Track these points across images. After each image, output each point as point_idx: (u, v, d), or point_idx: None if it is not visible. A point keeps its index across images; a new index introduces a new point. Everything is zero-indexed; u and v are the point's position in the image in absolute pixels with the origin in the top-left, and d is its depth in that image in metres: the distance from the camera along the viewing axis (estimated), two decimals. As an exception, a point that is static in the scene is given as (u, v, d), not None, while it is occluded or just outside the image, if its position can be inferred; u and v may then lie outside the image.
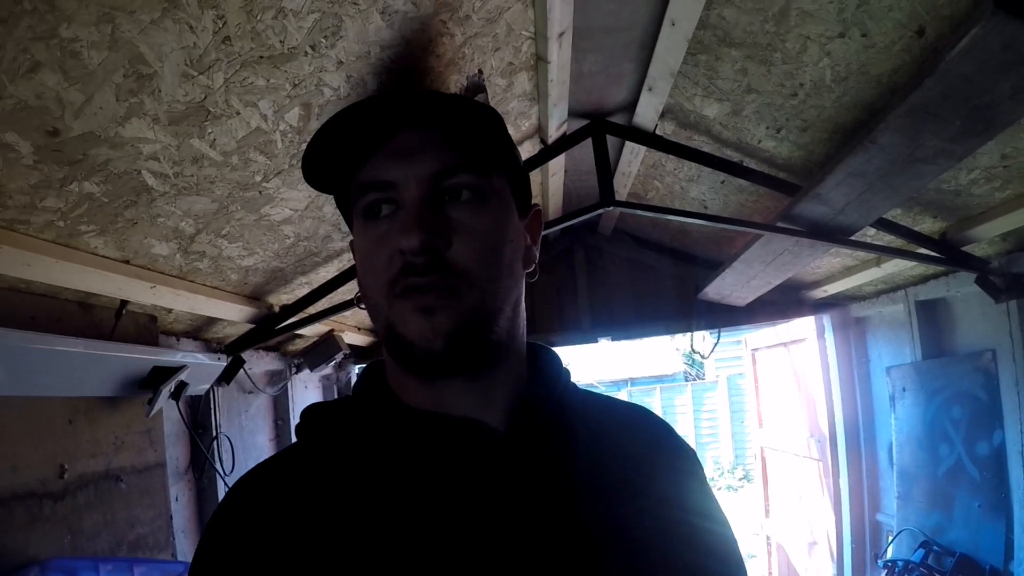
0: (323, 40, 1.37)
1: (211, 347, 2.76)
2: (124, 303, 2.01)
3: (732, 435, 12.27)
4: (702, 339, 6.31)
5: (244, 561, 0.67)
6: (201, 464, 2.71)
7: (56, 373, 1.72)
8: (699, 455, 0.92)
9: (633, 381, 13.64)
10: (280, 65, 1.37)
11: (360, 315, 3.57)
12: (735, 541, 0.84)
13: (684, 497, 0.82)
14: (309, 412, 0.82)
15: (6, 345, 1.50)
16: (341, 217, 2.20)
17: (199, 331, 2.66)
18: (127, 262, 1.83)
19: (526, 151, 2.38)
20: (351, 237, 0.82)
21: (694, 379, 13.15)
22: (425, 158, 0.73)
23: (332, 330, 3.33)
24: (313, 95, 1.54)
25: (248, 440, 3.11)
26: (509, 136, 0.80)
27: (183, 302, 2.15)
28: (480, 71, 1.66)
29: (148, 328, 2.24)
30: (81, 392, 1.89)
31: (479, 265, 0.73)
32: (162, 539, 2.20)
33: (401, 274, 0.71)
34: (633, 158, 2.85)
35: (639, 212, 2.69)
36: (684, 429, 12.98)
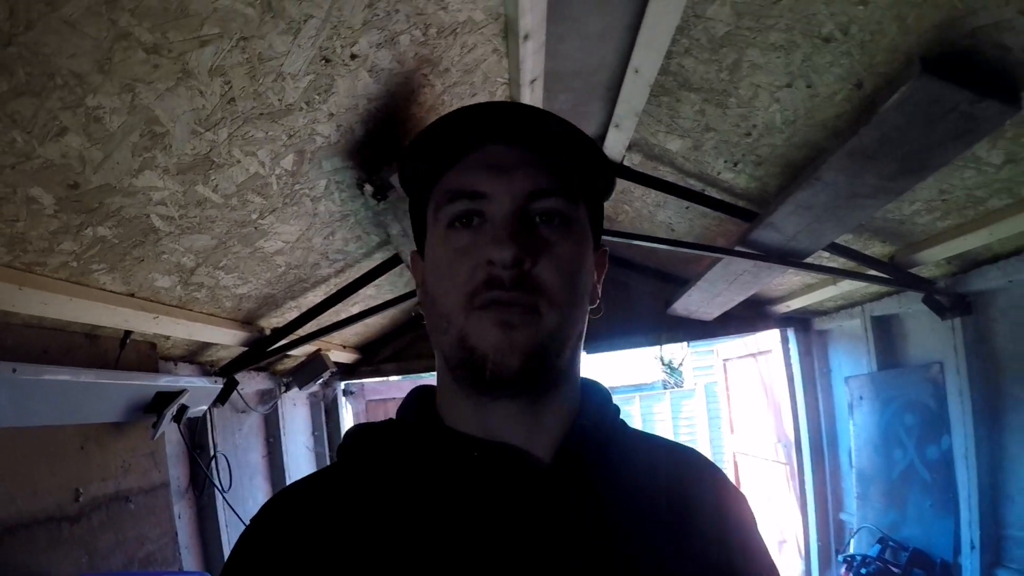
0: (316, 96, 1.49)
1: (205, 370, 2.86)
2: (128, 333, 2.11)
3: (710, 441, 12.39)
4: (680, 350, 6.47)
5: None
6: (201, 483, 2.81)
7: (68, 403, 1.82)
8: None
9: (614, 390, 13.78)
10: (278, 120, 1.50)
11: (345, 334, 3.68)
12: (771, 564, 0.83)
13: (728, 542, 0.78)
14: (355, 433, 0.80)
15: (24, 379, 1.60)
16: (329, 246, 2.34)
17: (195, 355, 2.76)
18: (132, 295, 1.94)
19: None
20: (413, 247, 0.82)
21: (673, 387, 13.29)
22: (522, 175, 0.72)
23: (319, 349, 3.43)
24: (306, 143, 1.66)
25: (242, 458, 3.20)
26: (610, 166, 0.79)
27: (182, 329, 2.25)
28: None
29: (148, 355, 2.34)
30: (91, 419, 1.99)
31: (561, 289, 0.71)
32: (169, 555, 2.29)
33: (485, 286, 0.69)
34: (604, 185, 2.98)
35: (609, 237, 2.81)
36: (664, 435, 13.09)
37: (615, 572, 0.68)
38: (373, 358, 4.15)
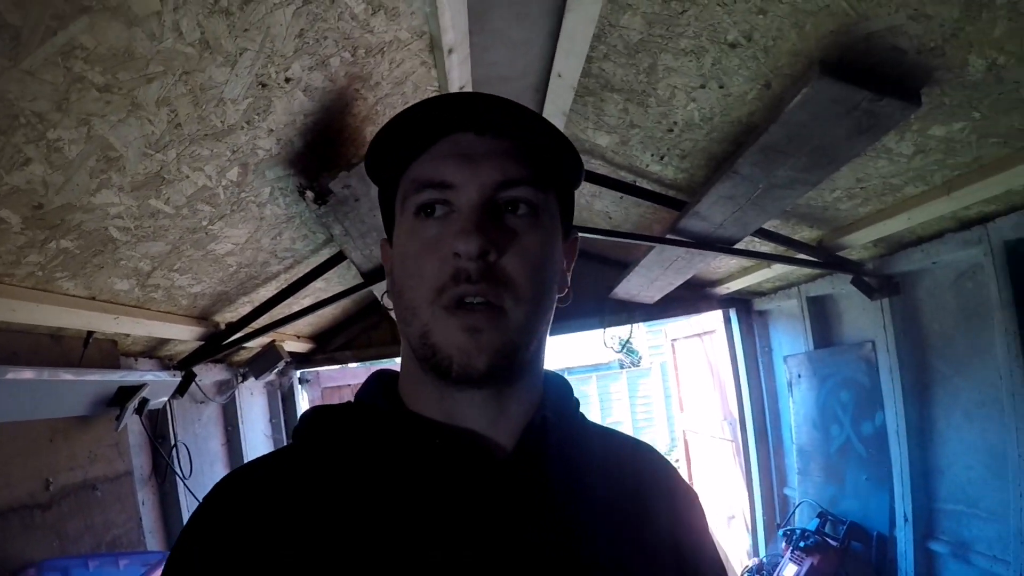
0: (256, 116, 1.64)
1: (164, 363, 3.00)
2: (90, 333, 2.25)
3: (667, 419, 12.60)
4: (629, 330, 6.66)
5: (226, 560, 0.64)
6: (163, 471, 2.96)
7: (37, 399, 1.96)
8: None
9: (570, 370, 13.96)
10: (221, 139, 1.64)
11: (298, 325, 3.83)
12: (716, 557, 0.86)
13: (679, 537, 0.80)
14: (312, 415, 0.79)
15: (-3, 379, 1.75)
16: (277, 246, 2.48)
17: (154, 350, 2.91)
18: (93, 298, 2.08)
19: None
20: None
21: (629, 367, 13.46)
22: (490, 165, 0.71)
23: (273, 340, 3.57)
24: (249, 156, 1.81)
25: (202, 446, 3.35)
26: (579, 156, 0.77)
27: (141, 328, 2.39)
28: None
29: (110, 352, 2.49)
30: (58, 413, 2.13)
31: (528, 281, 0.70)
32: (135, 538, 2.45)
33: (452, 280, 0.68)
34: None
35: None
36: (620, 415, 13.25)
37: (571, 561, 0.69)
38: (327, 347, 4.30)
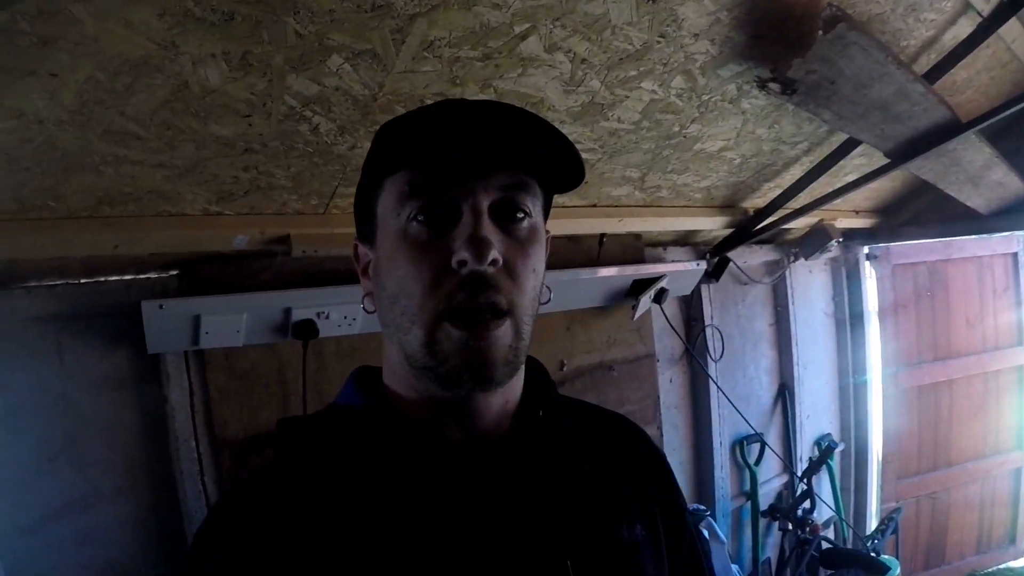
0: (667, 28, 1.55)
1: (699, 250, 3.16)
2: (603, 235, 2.52)
3: None
4: None
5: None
6: (693, 352, 3.19)
7: (556, 296, 2.32)
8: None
9: None
10: (642, 57, 1.61)
11: (855, 200, 3.55)
12: (697, 542, 0.95)
13: (652, 508, 0.86)
14: (292, 428, 0.84)
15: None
16: (779, 133, 2.35)
17: (684, 240, 3.08)
18: (594, 206, 2.31)
19: (960, 29, 2.13)
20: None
21: None
22: (499, 171, 0.70)
23: (821, 220, 3.41)
24: (687, 64, 1.72)
25: (746, 326, 3.47)
26: (580, 161, 0.75)
27: (651, 224, 2.57)
28: (831, 3, 1.65)
29: (633, 245, 2.73)
30: (575, 305, 2.47)
31: (528, 285, 0.72)
32: (649, 414, 2.74)
33: (458, 288, 0.68)
34: None
35: None
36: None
37: (568, 539, 0.74)
38: (892, 221, 3.90)
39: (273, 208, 1.69)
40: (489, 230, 0.68)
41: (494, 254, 0.67)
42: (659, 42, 1.60)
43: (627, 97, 1.76)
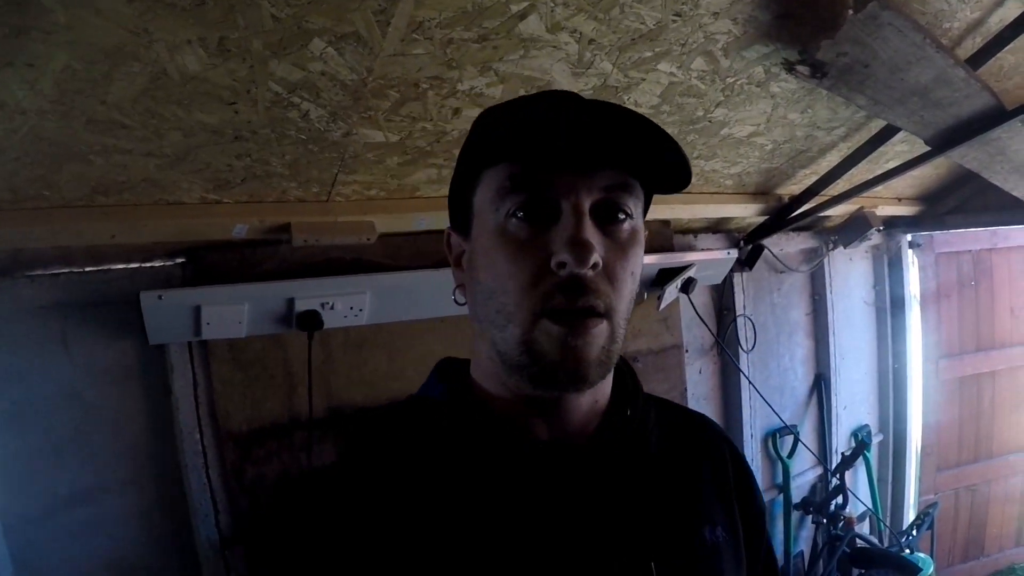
0: (684, 7, 1.46)
1: (733, 237, 3.04)
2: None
3: None
4: None
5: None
6: (724, 342, 3.08)
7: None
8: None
9: None
10: (656, 38, 1.51)
11: (897, 187, 3.40)
12: (771, 546, 0.94)
13: (733, 509, 0.86)
14: (368, 419, 0.85)
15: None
16: (813, 118, 2.23)
17: (716, 227, 2.96)
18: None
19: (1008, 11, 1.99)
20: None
21: None
22: (596, 172, 0.69)
23: (861, 207, 3.26)
24: (707, 44, 1.61)
25: (780, 316, 3.34)
26: (687, 163, 0.72)
27: (680, 211, 2.47)
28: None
29: (661, 232, 2.63)
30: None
31: (626, 287, 0.71)
32: (675, 407, 2.65)
33: (556, 290, 0.67)
34: None
35: None
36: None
37: (647, 545, 0.73)
38: (937, 208, 3.74)
39: (273, 196, 1.64)
40: (590, 232, 0.67)
41: (595, 258, 0.66)
42: (675, 21, 1.50)
43: (643, 80, 1.66)
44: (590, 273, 0.66)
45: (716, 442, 0.93)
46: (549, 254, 0.67)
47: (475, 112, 1.45)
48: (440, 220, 1.91)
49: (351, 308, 1.80)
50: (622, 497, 0.75)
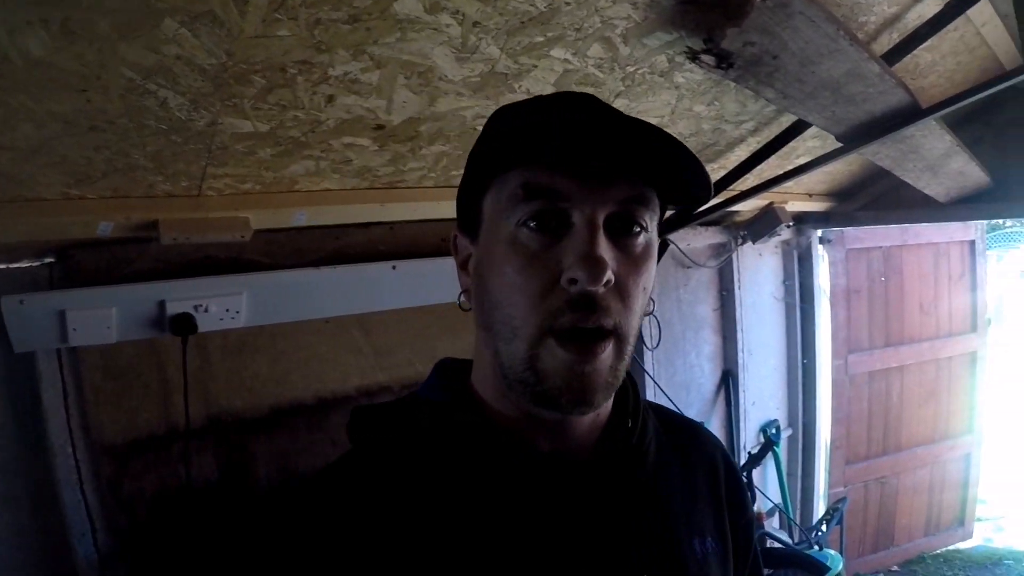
0: (577, -10, 1.42)
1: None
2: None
3: None
4: None
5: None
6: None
7: (433, 287, 2.23)
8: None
9: None
10: (548, 22, 1.47)
11: (809, 183, 3.49)
12: (757, 553, 0.94)
13: (724, 520, 0.87)
14: (373, 417, 0.81)
15: (402, 272, 2.01)
16: (720, 111, 2.24)
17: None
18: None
19: (926, 8, 2.04)
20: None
21: None
22: (611, 184, 0.67)
23: (771, 203, 3.34)
24: (604, 30, 1.58)
25: (687, 312, 3.40)
26: (707, 177, 0.71)
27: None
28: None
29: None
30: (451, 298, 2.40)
31: (638, 304, 0.70)
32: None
33: (567, 306, 0.66)
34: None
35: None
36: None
37: (641, 554, 0.74)
38: (848, 205, 3.87)
39: (140, 191, 1.56)
40: (603, 247, 0.66)
41: (608, 275, 0.65)
42: (568, 4, 1.46)
43: (535, 67, 1.63)
44: (601, 290, 0.66)
45: (709, 450, 0.93)
46: (560, 268, 0.66)
47: (351, 100, 1.42)
48: (320, 215, 1.86)
49: (227, 310, 1.74)
50: (620, 510, 0.75)
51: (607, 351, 0.67)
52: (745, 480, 3.24)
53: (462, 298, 0.81)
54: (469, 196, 0.77)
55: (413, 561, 0.67)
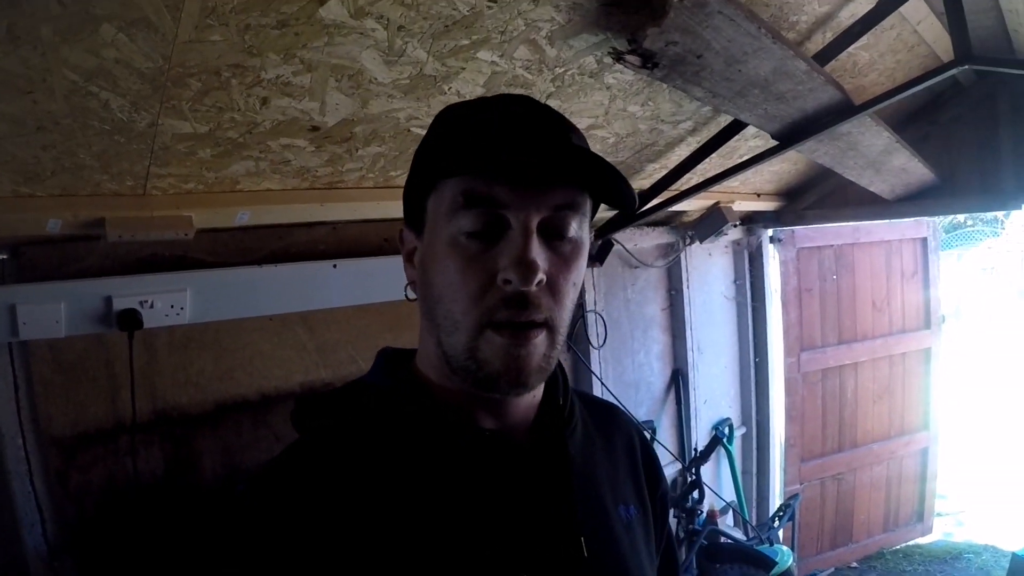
0: (499, -9, 1.51)
1: (582, 234, 3.20)
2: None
3: None
4: None
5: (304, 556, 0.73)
6: (574, 339, 3.22)
7: (376, 285, 2.33)
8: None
9: None
10: (472, 24, 1.57)
11: (757, 182, 3.64)
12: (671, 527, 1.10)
13: (643, 491, 1.00)
14: (313, 407, 0.90)
15: (343, 271, 2.13)
16: (655, 111, 2.35)
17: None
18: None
19: (858, 6, 2.16)
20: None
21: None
22: (545, 190, 0.75)
23: (718, 202, 3.50)
24: (530, 32, 1.69)
25: (635, 311, 3.56)
26: (629, 187, 0.80)
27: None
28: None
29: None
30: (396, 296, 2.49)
31: (568, 300, 0.79)
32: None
33: (502, 304, 0.74)
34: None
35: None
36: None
37: (577, 526, 0.83)
38: (797, 205, 4.03)
39: (87, 190, 1.67)
40: (536, 250, 0.74)
41: (539, 276, 0.74)
42: (490, 7, 1.55)
43: (463, 69, 1.74)
44: (534, 289, 0.74)
45: (626, 428, 1.06)
46: (496, 269, 0.75)
47: (285, 102, 1.55)
48: (262, 214, 1.99)
49: (171, 306, 1.85)
50: (556, 480, 0.84)
51: (540, 338, 0.76)
52: (694, 478, 3.40)
53: (407, 289, 0.89)
54: (415, 193, 0.84)
55: (369, 538, 0.74)
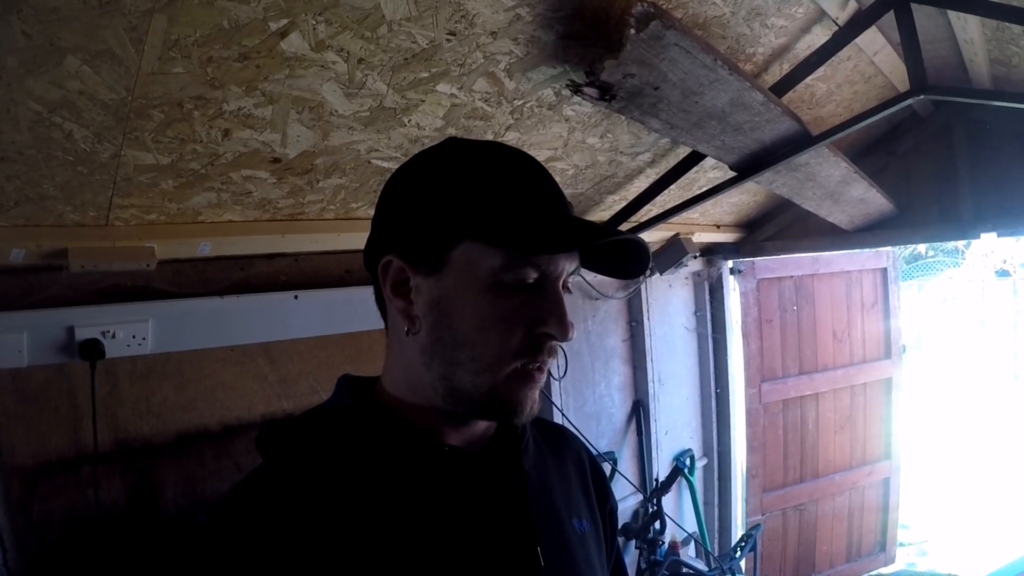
0: (457, 25, 1.56)
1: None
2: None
3: None
4: None
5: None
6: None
7: (344, 315, 2.37)
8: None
9: None
10: (431, 57, 1.62)
11: (716, 215, 3.71)
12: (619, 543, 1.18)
13: (593, 506, 1.07)
14: (278, 432, 0.95)
15: (304, 302, 2.16)
16: (614, 143, 2.41)
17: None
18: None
19: (815, 38, 2.23)
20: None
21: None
22: (573, 257, 0.89)
23: (678, 234, 3.58)
24: (488, 65, 1.75)
25: (596, 343, 3.61)
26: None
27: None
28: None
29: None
30: (369, 325, 2.52)
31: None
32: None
33: (537, 350, 0.84)
34: (965, 24, 2.41)
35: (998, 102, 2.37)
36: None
37: (534, 535, 0.90)
38: (756, 236, 4.13)
39: (51, 220, 1.70)
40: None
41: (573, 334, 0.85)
42: (449, 41, 1.59)
43: (422, 101, 1.79)
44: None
45: (575, 447, 1.14)
46: (533, 320, 0.83)
47: (246, 134, 1.59)
48: (224, 246, 2.03)
49: (133, 336, 1.88)
50: (513, 493, 0.91)
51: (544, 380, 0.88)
52: (655, 509, 3.43)
53: (399, 320, 0.89)
54: (428, 230, 0.84)
55: (333, 555, 0.78)
